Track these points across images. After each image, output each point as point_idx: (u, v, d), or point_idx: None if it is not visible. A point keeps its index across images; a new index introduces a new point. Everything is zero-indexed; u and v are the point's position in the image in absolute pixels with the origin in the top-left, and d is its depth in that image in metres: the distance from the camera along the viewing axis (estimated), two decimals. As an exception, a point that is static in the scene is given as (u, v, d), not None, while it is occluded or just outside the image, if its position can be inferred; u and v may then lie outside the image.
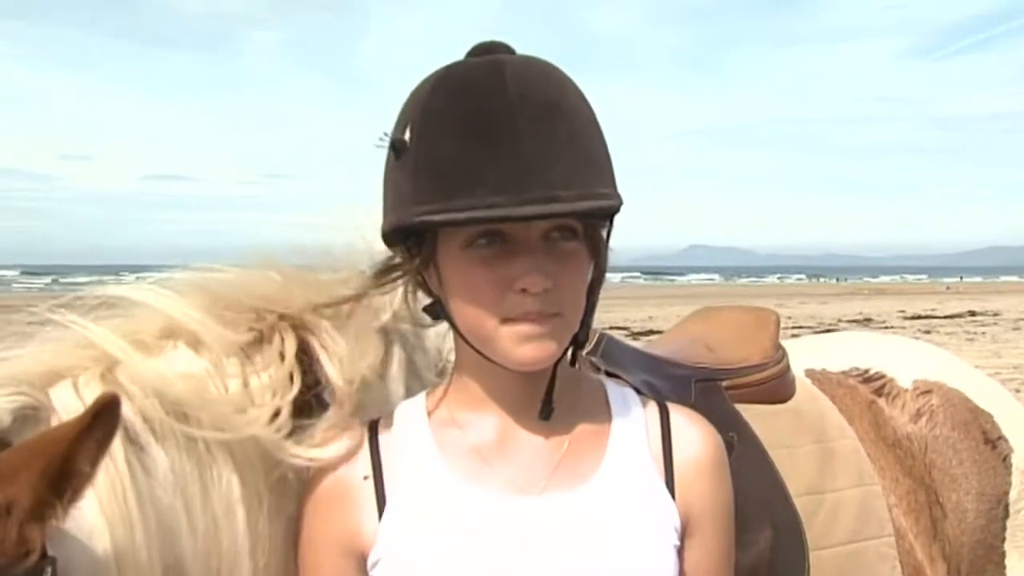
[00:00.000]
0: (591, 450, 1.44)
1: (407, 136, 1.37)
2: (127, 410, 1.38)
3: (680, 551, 1.44)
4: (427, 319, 1.53)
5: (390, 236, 1.44)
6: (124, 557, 1.36)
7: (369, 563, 1.42)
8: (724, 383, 2.12)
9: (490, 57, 1.39)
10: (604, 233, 1.44)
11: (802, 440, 2.18)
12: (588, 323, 1.43)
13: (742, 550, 1.92)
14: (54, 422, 1.36)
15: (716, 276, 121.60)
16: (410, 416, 1.49)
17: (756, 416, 2.10)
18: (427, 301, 1.50)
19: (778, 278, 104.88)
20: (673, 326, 2.56)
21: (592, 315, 1.44)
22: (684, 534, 1.44)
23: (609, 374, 1.80)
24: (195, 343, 1.53)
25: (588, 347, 1.88)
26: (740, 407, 2.10)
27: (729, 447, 1.96)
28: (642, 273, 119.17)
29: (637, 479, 1.43)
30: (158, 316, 1.55)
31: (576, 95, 1.40)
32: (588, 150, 1.37)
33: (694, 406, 1.94)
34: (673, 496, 1.44)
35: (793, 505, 2.05)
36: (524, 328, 1.35)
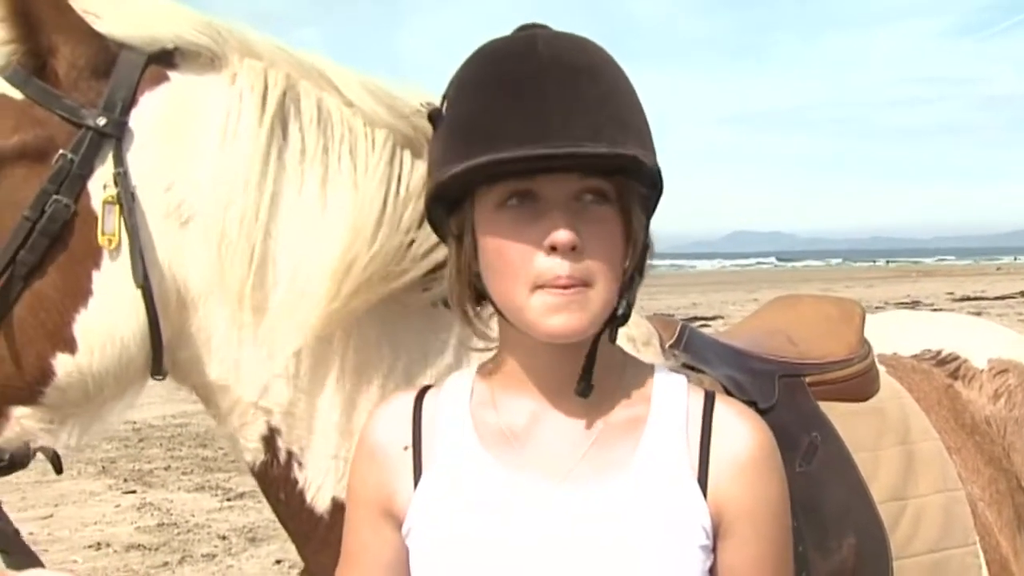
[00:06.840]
0: (624, 439, 1.40)
1: (443, 107, 1.40)
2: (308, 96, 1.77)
3: (714, 552, 1.38)
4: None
5: (432, 209, 1.44)
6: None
7: (403, 530, 1.44)
8: (807, 379, 1.99)
9: (527, 31, 1.40)
10: (642, 203, 1.39)
11: (885, 442, 2.07)
12: (629, 297, 1.39)
13: (824, 557, 1.81)
14: None
15: (837, 259, 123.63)
16: (456, 389, 1.49)
17: (839, 416, 1.99)
18: None
19: (885, 262, 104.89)
20: (750, 315, 2.46)
21: (632, 288, 1.39)
22: (717, 535, 1.38)
23: (692, 368, 1.70)
24: None
25: (670, 340, 1.80)
26: (822, 405, 1.99)
27: (812, 448, 1.84)
28: (777, 259, 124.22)
29: (667, 473, 1.38)
30: None
31: (611, 66, 1.39)
32: (619, 113, 1.35)
33: (777, 403, 1.82)
34: (705, 494, 1.37)
35: (877, 512, 1.95)
36: (553, 297, 1.32)
